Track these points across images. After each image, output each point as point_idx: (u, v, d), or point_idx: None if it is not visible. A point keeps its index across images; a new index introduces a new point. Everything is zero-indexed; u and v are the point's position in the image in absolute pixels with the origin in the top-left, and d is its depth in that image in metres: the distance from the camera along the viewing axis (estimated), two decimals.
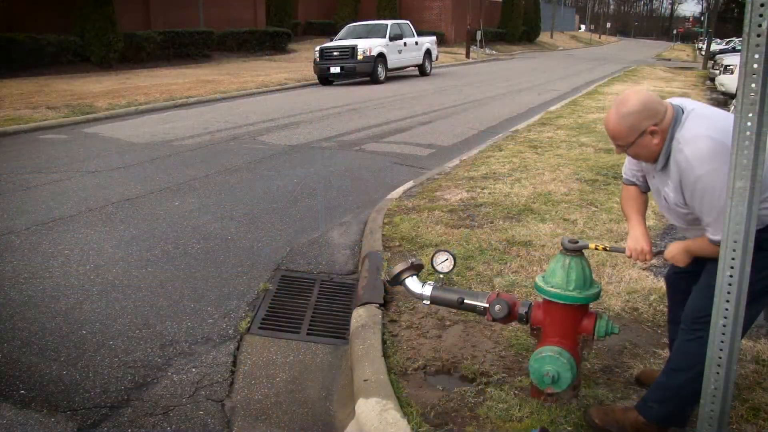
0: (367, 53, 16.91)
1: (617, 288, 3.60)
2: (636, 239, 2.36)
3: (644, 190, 2.44)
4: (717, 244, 1.99)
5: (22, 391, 2.75)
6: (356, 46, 16.92)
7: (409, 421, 2.38)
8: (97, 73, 18.15)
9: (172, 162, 7.31)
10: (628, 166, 2.44)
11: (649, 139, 2.11)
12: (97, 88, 14.36)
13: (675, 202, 2.15)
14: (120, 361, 3.02)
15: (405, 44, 19.04)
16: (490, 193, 5.69)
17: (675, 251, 2.25)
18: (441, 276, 2.70)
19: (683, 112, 2.11)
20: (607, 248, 2.46)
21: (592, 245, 2.39)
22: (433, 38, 21.59)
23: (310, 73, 18.06)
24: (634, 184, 2.45)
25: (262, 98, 14.01)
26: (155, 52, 21.14)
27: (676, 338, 2.26)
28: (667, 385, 2.21)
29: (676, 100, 2.21)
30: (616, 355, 2.90)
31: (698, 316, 2.13)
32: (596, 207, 5.19)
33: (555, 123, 10.01)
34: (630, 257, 2.37)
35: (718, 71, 15.96)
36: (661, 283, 3.65)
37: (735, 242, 1.71)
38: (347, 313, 3.54)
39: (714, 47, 30.11)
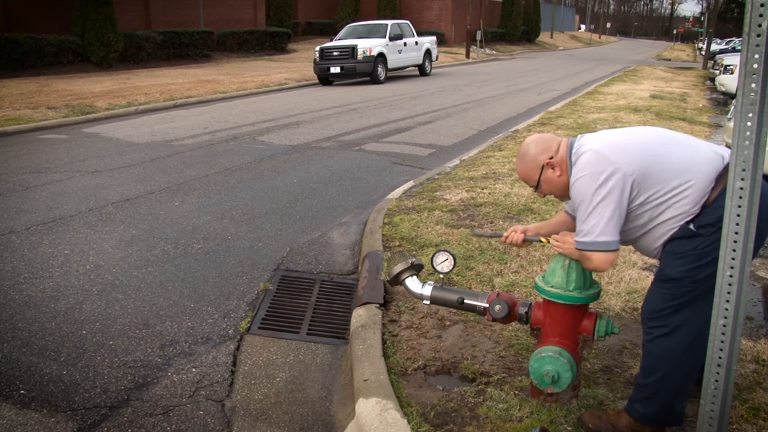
0: (367, 53, 16.92)
1: (617, 288, 3.60)
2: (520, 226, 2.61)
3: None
4: (579, 247, 2.15)
5: (22, 391, 2.75)
6: (356, 46, 16.92)
7: (409, 421, 2.38)
8: (97, 73, 18.16)
9: (172, 162, 7.31)
10: None
11: (551, 172, 2.26)
12: (97, 88, 14.37)
13: None
14: (120, 361, 3.02)
15: (405, 44, 19.05)
16: (490, 193, 5.69)
17: (563, 239, 2.34)
18: (441, 276, 2.70)
19: (577, 138, 2.26)
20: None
21: (543, 239, 2.49)
22: (433, 38, 21.60)
23: (310, 73, 18.07)
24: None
25: (262, 98, 14.01)
26: (155, 52, 21.14)
27: None
28: (642, 385, 2.22)
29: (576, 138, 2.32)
30: (616, 355, 2.90)
31: (653, 311, 2.17)
32: None
33: (555, 123, 10.01)
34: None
35: (718, 71, 15.97)
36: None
37: (735, 242, 1.70)
38: (347, 313, 3.54)
39: (714, 47, 30.09)
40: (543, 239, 2.47)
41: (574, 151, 2.21)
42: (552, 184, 2.29)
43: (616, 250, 2.09)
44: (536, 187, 2.33)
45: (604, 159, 2.07)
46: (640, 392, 2.23)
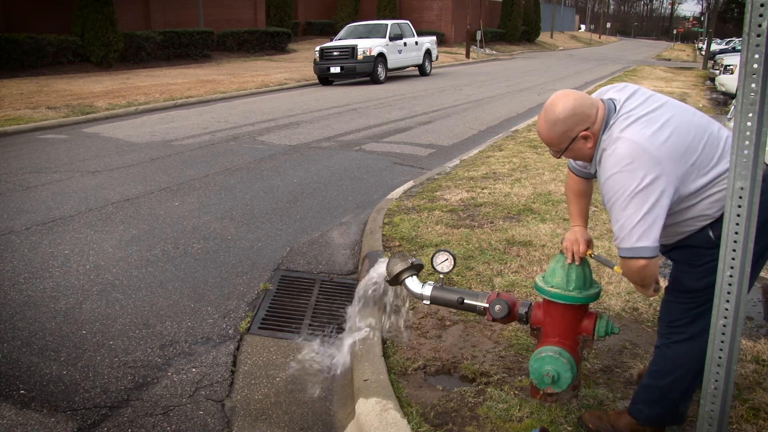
0: (367, 53, 16.92)
1: (617, 288, 3.60)
2: (574, 233, 2.37)
3: (587, 177, 2.40)
4: (625, 256, 1.91)
5: (22, 391, 2.75)
6: (356, 46, 16.92)
7: (409, 421, 2.38)
8: (97, 73, 18.15)
9: (172, 162, 7.31)
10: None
11: (582, 143, 2.04)
12: (97, 88, 14.36)
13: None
14: (120, 361, 3.02)
15: (405, 44, 19.04)
16: (490, 193, 5.69)
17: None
18: (441, 276, 2.70)
19: (615, 109, 2.02)
20: (596, 257, 2.43)
21: (588, 251, 2.37)
22: (433, 38, 21.59)
23: (310, 73, 18.07)
24: (576, 172, 2.40)
25: (262, 98, 14.01)
26: (155, 52, 21.14)
27: None
28: (652, 387, 2.21)
29: (610, 93, 2.11)
30: (616, 355, 2.90)
31: (672, 321, 2.15)
32: (596, 207, 5.19)
33: None
34: (568, 252, 2.33)
35: (718, 71, 15.97)
36: (662, 283, 3.64)
37: (735, 242, 1.70)
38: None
39: (714, 47, 30.09)
40: (617, 268, 2.26)
41: (610, 124, 1.99)
42: (579, 153, 2.08)
43: (653, 257, 1.89)
44: (559, 152, 2.10)
45: (648, 157, 1.86)
46: (648, 393, 2.22)
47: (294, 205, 5.66)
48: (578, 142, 2.04)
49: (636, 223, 1.87)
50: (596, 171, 2.09)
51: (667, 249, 2.16)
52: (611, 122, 2.00)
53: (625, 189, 1.87)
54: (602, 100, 2.08)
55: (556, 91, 2.13)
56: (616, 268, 2.26)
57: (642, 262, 1.91)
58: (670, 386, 2.16)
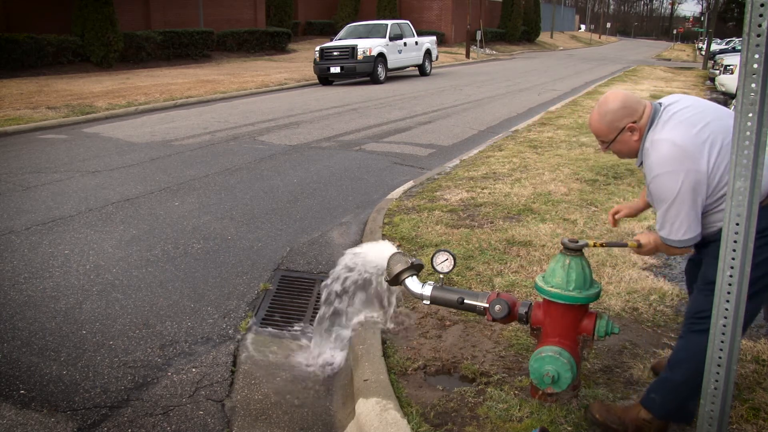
0: (367, 53, 16.92)
1: (617, 288, 3.60)
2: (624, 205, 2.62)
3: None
4: (673, 246, 2.20)
5: (22, 391, 2.75)
6: (356, 46, 16.92)
7: (409, 421, 2.38)
8: (97, 73, 18.15)
9: (172, 162, 7.31)
10: None
11: (629, 135, 2.26)
12: (97, 88, 14.36)
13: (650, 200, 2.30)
14: (120, 361, 3.02)
15: (405, 44, 19.05)
16: (490, 193, 5.69)
17: (645, 240, 2.37)
18: (441, 276, 2.70)
19: (660, 110, 2.22)
20: (605, 243, 2.48)
21: (591, 242, 2.43)
22: (433, 38, 21.60)
23: (310, 73, 18.07)
24: None
25: (262, 98, 14.01)
26: (155, 52, 21.14)
27: None
28: (669, 379, 2.24)
29: (661, 99, 2.31)
30: (616, 355, 2.91)
31: (696, 312, 2.20)
32: (596, 207, 5.20)
33: (555, 123, 10.01)
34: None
35: (718, 71, 15.97)
36: (661, 283, 3.65)
37: (735, 242, 1.70)
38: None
39: (714, 47, 30.08)
40: (631, 242, 2.43)
41: (655, 122, 2.20)
42: (626, 145, 2.29)
43: (696, 243, 2.18)
44: (607, 144, 2.34)
45: (688, 157, 2.07)
46: (664, 385, 2.25)
47: (294, 205, 5.66)
48: (625, 134, 2.26)
49: (682, 220, 2.13)
50: (641, 164, 2.29)
51: (699, 245, 2.25)
52: (656, 120, 2.21)
53: (669, 190, 2.10)
54: (651, 103, 2.28)
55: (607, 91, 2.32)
56: (629, 242, 2.43)
57: (685, 249, 2.23)
58: (684, 380, 2.18)
